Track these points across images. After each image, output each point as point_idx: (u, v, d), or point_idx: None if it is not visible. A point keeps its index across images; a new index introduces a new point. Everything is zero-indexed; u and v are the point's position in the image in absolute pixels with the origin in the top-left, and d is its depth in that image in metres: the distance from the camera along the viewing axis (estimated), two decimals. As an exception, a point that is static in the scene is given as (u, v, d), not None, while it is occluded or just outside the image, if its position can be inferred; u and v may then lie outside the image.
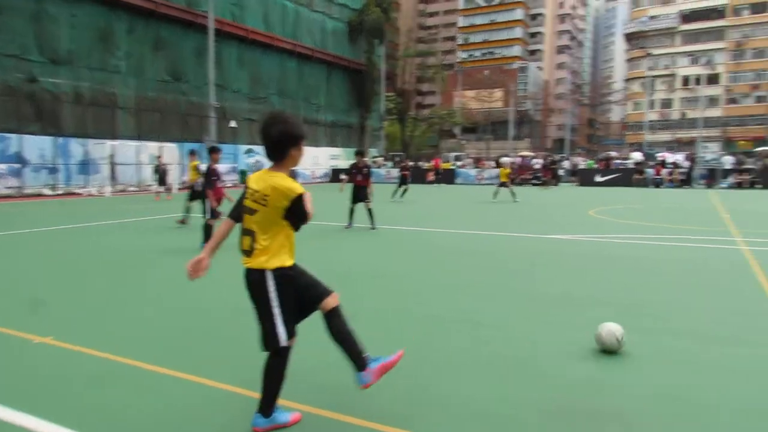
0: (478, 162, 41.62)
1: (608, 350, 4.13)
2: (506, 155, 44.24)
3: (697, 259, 8.34)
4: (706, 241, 10.05)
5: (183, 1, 29.40)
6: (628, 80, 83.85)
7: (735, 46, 72.89)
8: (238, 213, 2.95)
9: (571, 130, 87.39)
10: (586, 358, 4.10)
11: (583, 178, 32.31)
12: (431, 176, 34.34)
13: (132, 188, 26.08)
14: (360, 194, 12.07)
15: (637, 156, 37.98)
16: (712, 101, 72.50)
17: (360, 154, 12.82)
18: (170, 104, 29.38)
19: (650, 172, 30.47)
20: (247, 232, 2.86)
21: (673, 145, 67.70)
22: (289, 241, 2.90)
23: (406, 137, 55.68)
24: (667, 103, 77.16)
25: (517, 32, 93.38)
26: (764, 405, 3.32)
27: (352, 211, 12.12)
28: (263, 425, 2.94)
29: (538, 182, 31.45)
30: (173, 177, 25.02)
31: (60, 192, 23.48)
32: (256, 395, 2.97)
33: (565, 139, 75.84)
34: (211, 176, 9.13)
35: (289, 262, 2.88)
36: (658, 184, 29.49)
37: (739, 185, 27.98)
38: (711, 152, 44.98)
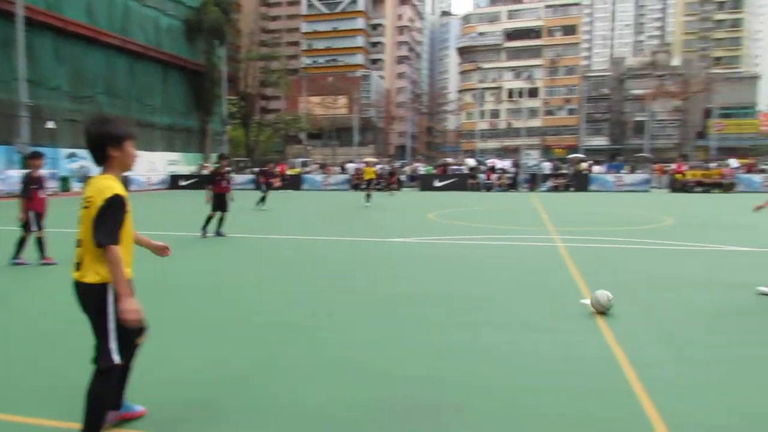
0: (324, 168, 41.80)
1: (602, 309, 5.27)
2: (351, 161, 45.01)
3: (521, 256, 9.05)
4: (529, 239, 10.97)
5: (-17, -17, 25.68)
6: (461, 91, 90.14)
7: (550, 64, 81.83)
8: None
9: (411, 137, 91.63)
10: (423, 356, 4.19)
11: (423, 183, 33.89)
12: (277, 182, 33.72)
13: None
14: (223, 202, 11.24)
15: (471, 162, 40.79)
16: (533, 112, 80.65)
17: (224, 158, 11.96)
18: (-32, 101, 25.45)
19: (482, 177, 32.86)
20: (78, 243, 2.67)
21: (501, 152, 74.09)
22: (128, 250, 2.71)
23: (250, 142, 54.22)
24: (495, 114, 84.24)
25: (359, 41, 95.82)
26: (572, 384, 3.60)
27: (209, 220, 11.11)
28: None
29: (381, 188, 32.38)
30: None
31: None
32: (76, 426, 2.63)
33: (407, 145, 79.36)
34: (29, 184, 8.05)
35: (129, 275, 2.70)
36: (489, 188, 31.89)
37: (555, 188, 31.24)
38: (532, 159, 49.63)
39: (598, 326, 4.95)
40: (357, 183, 33.62)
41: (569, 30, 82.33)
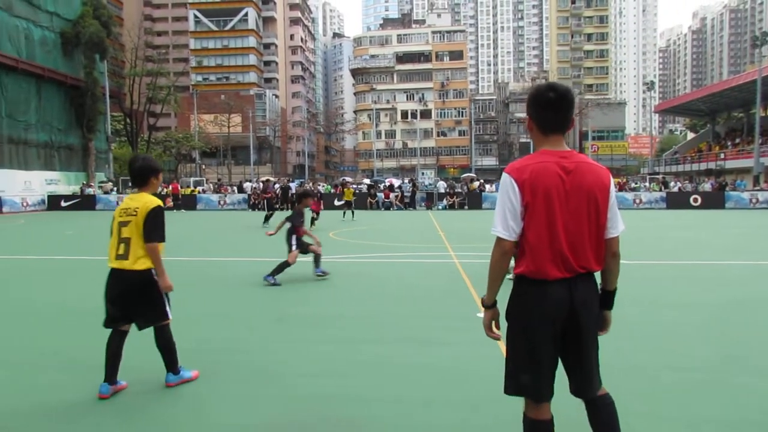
0: (219, 187, 40.55)
1: None
2: (248, 180, 44.12)
3: (420, 272, 9.39)
4: (428, 256, 11.39)
5: None
6: (356, 111, 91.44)
7: (439, 87, 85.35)
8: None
9: (309, 156, 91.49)
10: (322, 374, 4.31)
11: (323, 202, 33.88)
12: (169, 202, 32.37)
13: None
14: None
15: (366, 181, 41.43)
16: (427, 133, 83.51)
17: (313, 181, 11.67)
18: None
19: (380, 195, 33.46)
20: (122, 241, 3.76)
21: (398, 172, 75.95)
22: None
23: (138, 161, 51.47)
24: (390, 134, 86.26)
25: (252, 59, 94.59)
26: (467, 395, 3.84)
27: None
28: (175, 380, 3.95)
29: (280, 206, 31.96)
30: None
31: None
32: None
33: (305, 164, 79.15)
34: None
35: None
36: (387, 206, 32.54)
37: (451, 206, 32.49)
38: (428, 178, 51.37)
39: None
40: (255, 202, 33.02)
41: (456, 55, 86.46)
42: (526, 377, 2.36)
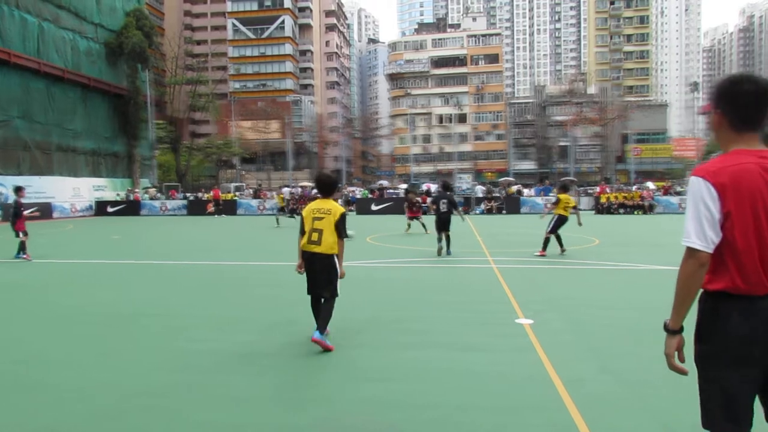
0: (258, 192, 41.14)
1: None
2: (286, 186, 44.60)
3: (459, 277, 9.33)
4: (466, 261, 11.31)
5: None
6: (392, 116, 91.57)
7: (475, 90, 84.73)
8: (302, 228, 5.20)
9: (346, 161, 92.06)
10: (362, 378, 4.33)
11: (360, 207, 34.08)
12: (210, 207, 33.07)
13: None
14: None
15: (403, 186, 41.35)
16: (463, 137, 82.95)
17: (411, 191, 13.94)
18: None
19: (418, 200, 33.33)
20: (315, 231, 5.05)
21: (435, 176, 75.60)
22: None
23: (181, 167, 52.81)
24: (427, 138, 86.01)
25: (289, 66, 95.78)
26: (505, 401, 3.81)
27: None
28: (319, 337, 4.90)
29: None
30: None
31: None
32: None
33: (342, 170, 79.65)
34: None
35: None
36: (425, 211, 32.40)
37: (489, 211, 32.16)
38: (465, 183, 50.97)
39: (531, 344, 5.21)
40: (294, 208, 33.35)
41: (492, 59, 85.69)
42: (734, 411, 2.09)
